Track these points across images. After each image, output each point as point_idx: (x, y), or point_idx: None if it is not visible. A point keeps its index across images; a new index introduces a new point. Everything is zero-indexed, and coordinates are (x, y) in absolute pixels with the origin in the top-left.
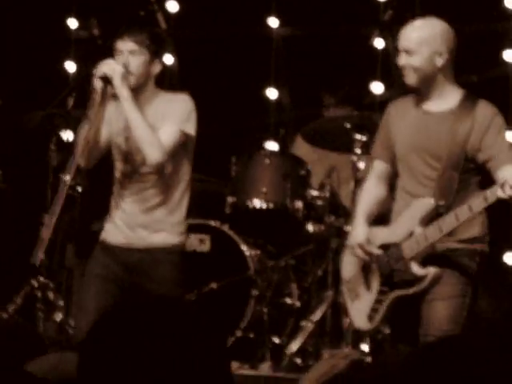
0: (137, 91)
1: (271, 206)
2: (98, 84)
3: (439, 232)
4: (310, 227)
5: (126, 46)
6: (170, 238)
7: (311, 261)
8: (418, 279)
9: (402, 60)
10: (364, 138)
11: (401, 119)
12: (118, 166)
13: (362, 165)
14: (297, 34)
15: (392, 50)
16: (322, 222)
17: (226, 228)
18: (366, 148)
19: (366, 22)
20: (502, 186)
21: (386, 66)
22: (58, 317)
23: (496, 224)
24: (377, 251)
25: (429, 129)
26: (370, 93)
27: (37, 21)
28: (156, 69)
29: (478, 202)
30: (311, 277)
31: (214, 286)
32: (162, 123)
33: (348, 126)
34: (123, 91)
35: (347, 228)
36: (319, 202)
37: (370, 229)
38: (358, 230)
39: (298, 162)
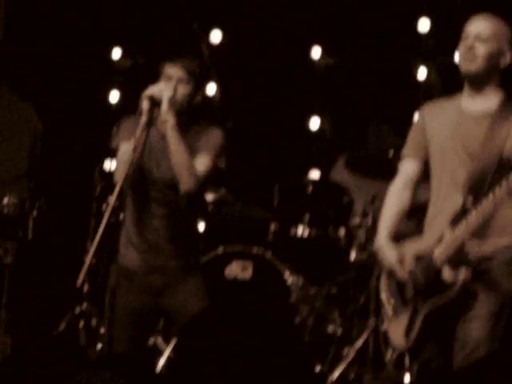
0: (177, 119)
1: (314, 233)
2: (145, 105)
3: (466, 227)
4: (353, 255)
5: (176, 72)
6: (190, 259)
7: (353, 288)
8: (450, 285)
9: (474, 44)
10: None
11: (437, 118)
12: (144, 191)
13: None
14: (339, 64)
15: (434, 80)
16: (364, 250)
17: (268, 255)
18: None
19: (409, 53)
20: None
21: (429, 96)
22: (100, 344)
23: None
24: (412, 265)
25: (466, 128)
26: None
27: (81, 51)
28: (197, 100)
29: (500, 187)
30: (353, 304)
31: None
32: (195, 154)
33: (391, 154)
34: (170, 117)
35: None
36: (361, 230)
37: (402, 245)
38: (387, 253)
39: (341, 190)
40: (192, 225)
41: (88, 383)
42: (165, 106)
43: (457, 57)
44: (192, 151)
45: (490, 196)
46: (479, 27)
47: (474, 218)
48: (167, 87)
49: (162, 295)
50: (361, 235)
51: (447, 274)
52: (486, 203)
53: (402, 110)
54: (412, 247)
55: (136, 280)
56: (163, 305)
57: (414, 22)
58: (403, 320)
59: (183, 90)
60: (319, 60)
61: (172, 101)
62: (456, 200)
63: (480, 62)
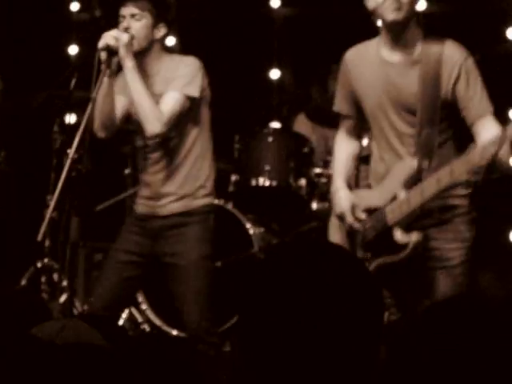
0: (142, 56)
1: (275, 183)
2: (102, 56)
3: (420, 197)
4: (314, 205)
5: (127, 10)
6: (189, 203)
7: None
8: (401, 246)
9: None
10: None
11: (361, 69)
12: (136, 138)
13: (365, 142)
14: (298, 14)
15: None
16: (325, 200)
17: (229, 206)
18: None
19: None
20: (481, 153)
21: None
22: (63, 298)
23: (502, 201)
24: (362, 216)
25: (397, 83)
26: None
27: (39, 5)
28: (160, 33)
29: (460, 168)
30: None
31: (218, 264)
32: (166, 90)
33: None
34: (127, 61)
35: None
36: (323, 180)
37: (354, 192)
38: (341, 196)
39: (302, 139)
40: (188, 167)
41: (55, 332)
42: (122, 51)
43: (371, 4)
44: (165, 88)
45: (447, 169)
46: None
47: (429, 189)
48: (120, 30)
49: (158, 239)
50: (322, 185)
51: (399, 235)
52: (443, 177)
53: None
54: (363, 199)
55: (138, 223)
56: (158, 251)
57: None
58: None
59: (138, 24)
60: (278, 10)
61: (129, 44)
62: (408, 161)
63: (406, 10)
